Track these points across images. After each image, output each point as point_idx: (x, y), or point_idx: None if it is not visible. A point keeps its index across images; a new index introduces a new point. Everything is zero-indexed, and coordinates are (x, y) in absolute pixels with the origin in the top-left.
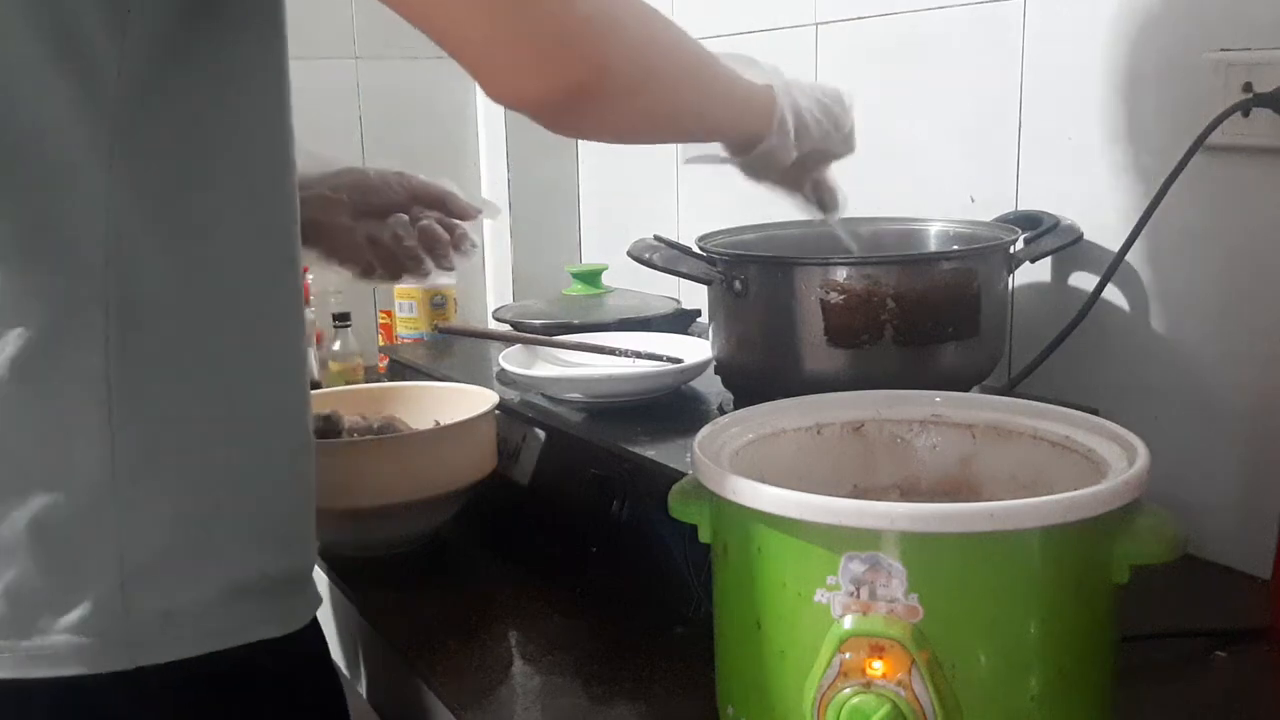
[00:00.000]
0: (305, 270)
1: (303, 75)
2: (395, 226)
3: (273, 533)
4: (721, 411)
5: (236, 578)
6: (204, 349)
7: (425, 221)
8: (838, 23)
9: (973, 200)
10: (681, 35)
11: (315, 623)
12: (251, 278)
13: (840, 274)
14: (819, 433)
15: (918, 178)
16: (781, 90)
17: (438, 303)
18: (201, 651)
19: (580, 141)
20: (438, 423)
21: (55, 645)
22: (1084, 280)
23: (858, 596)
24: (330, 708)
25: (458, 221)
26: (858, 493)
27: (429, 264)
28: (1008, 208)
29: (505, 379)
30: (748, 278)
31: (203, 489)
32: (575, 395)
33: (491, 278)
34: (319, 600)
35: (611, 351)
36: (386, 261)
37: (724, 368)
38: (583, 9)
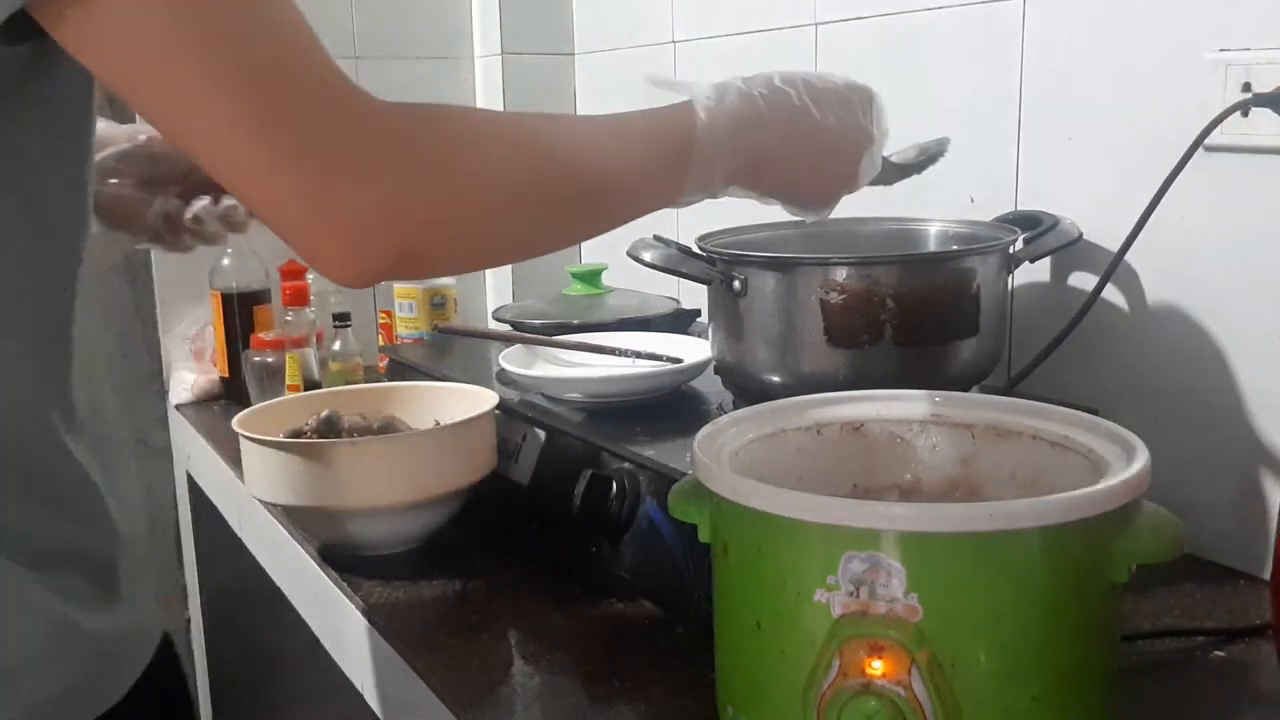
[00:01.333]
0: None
1: None
2: (199, 211)
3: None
4: (721, 411)
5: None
6: None
7: (228, 203)
8: (838, 23)
9: (972, 200)
10: (552, 130)
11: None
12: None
13: (840, 274)
14: (819, 433)
15: (917, 178)
16: (710, 92)
17: (438, 303)
18: None
19: None
20: (438, 423)
21: None
22: (1083, 280)
23: (857, 596)
24: None
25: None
26: (858, 493)
27: (214, 239)
28: (1007, 208)
29: (505, 379)
30: (748, 278)
31: None
32: (575, 395)
33: (491, 278)
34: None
35: (611, 351)
36: (174, 233)
37: (724, 368)
38: (388, 181)
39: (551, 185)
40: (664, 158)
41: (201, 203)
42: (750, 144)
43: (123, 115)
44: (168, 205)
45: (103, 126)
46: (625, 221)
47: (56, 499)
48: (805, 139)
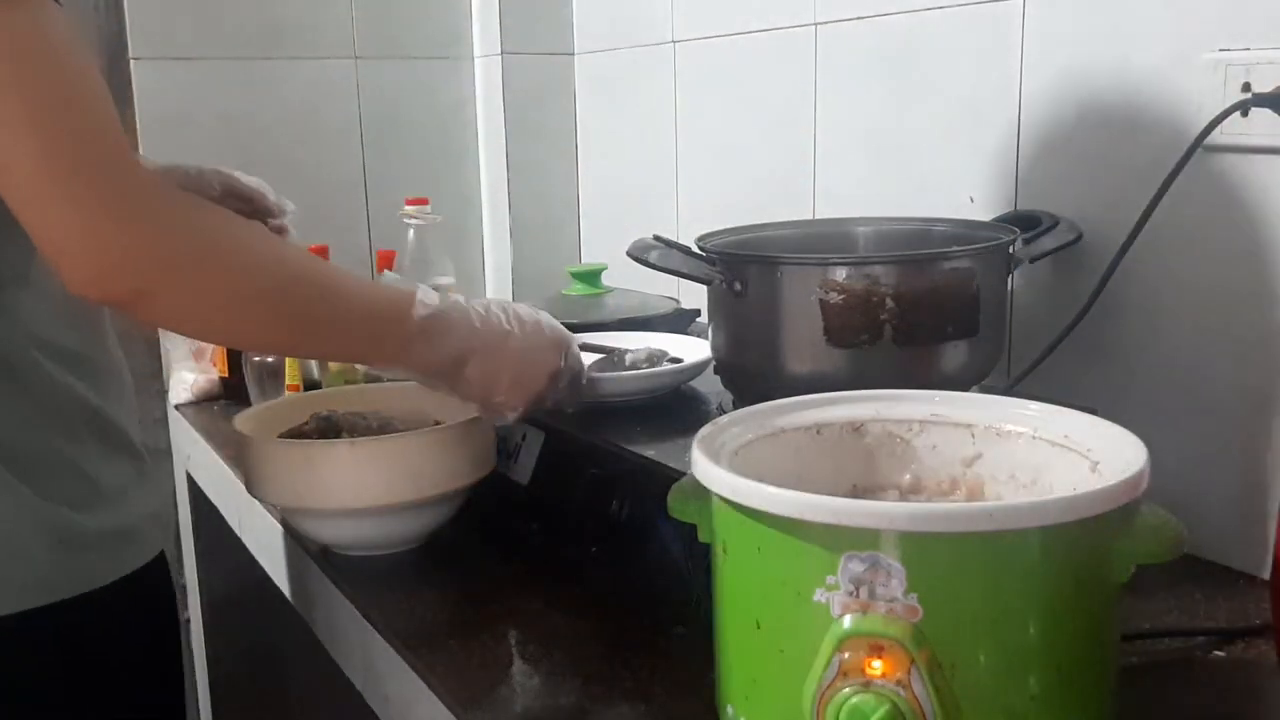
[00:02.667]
0: None
1: (302, 76)
2: None
3: None
4: (721, 411)
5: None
6: None
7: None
8: (838, 22)
9: (972, 200)
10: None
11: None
12: None
13: (840, 274)
14: (819, 433)
15: (917, 177)
16: (434, 295)
17: None
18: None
19: (580, 142)
20: (438, 423)
21: None
22: (1083, 280)
23: (857, 596)
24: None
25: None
26: (857, 492)
27: None
28: (1007, 207)
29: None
30: (748, 278)
31: None
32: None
33: (491, 278)
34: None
35: (611, 351)
36: None
37: (724, 368)
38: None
39: (278, 302)
40: (377, 325)
41: None
42: (459, 346)
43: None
44: None
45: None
46: (345, 360)
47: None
48: (507, 355)
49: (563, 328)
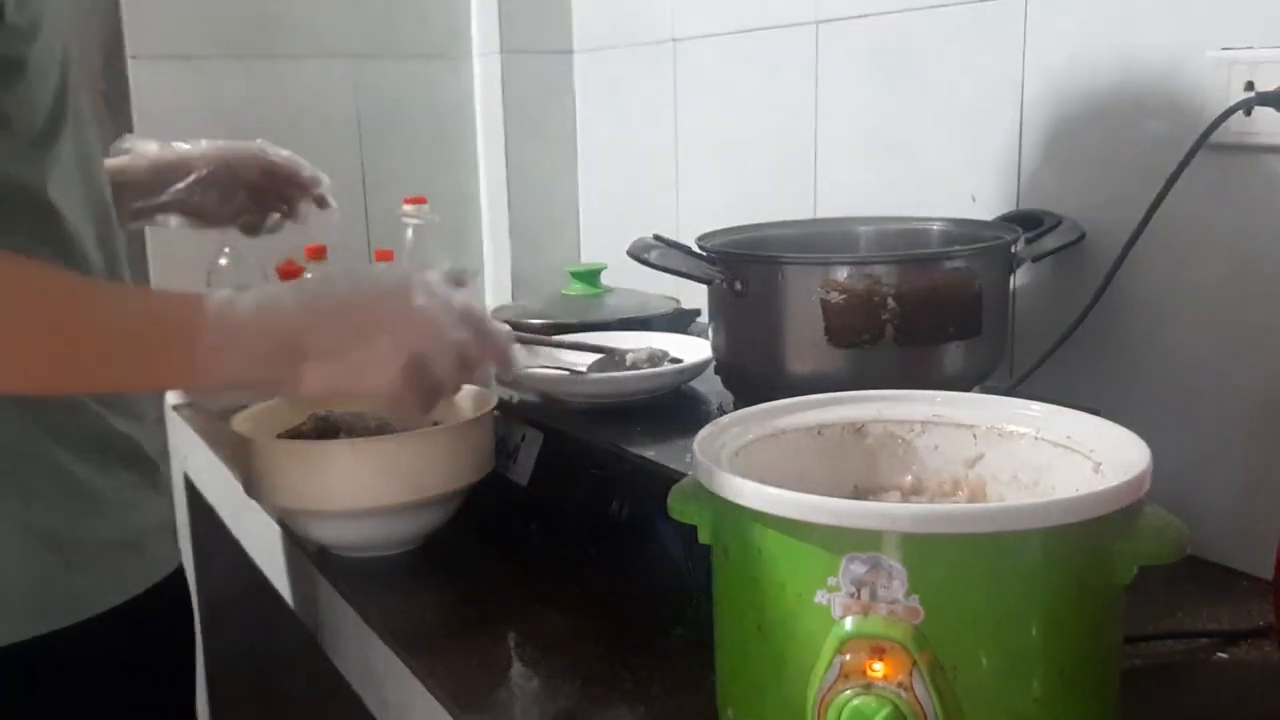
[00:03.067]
0: None
1: (301, 75)
2: (269, 221)
3: None
4: (721, 411)
5: None
6: None
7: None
8: (838, 21)
9: (974, 199)
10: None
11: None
12: None
13: (841, 274)
14: (819, 433)
15: (918, 177)
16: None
17: None
18: None
19: (580, 142)
20: (437, 423)
21: None
22: (1086, 280)
23: (858, 598)
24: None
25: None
26: (858, 494)
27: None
28: (1009, 207)
29: (505, 379)
30: (748, 278)
31: None
32: (575, 395)
33: (491, 278)
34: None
35: (611, 351)
36: (252, 233)
37: (724, 368)
38: None
39: (43, 338)
40: (162, 334)
41: (274, 217)
42: (276, 322)
43: (118, 116)
44: (245, 217)
45: (174, 150)
46: (143, 389)
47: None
48: (334, 301)
49: (404, 269)
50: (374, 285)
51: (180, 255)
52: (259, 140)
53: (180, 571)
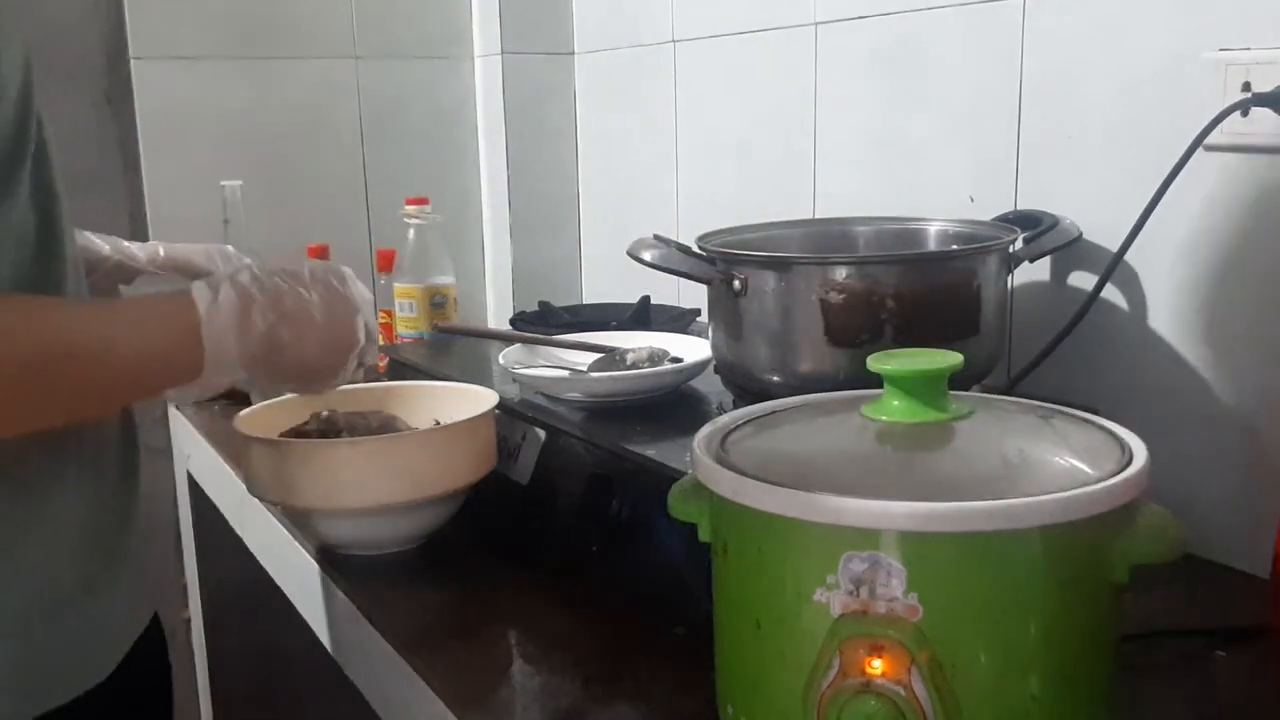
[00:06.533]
0: None
1: (303, 75)
2: None
3: None
4: (721, 411)
5: None
6: None
7: None
8: (838, 22)
9: (972, 200)
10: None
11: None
12: None
13: (840, 274)
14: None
15: (917, 177)
16: (205, 285)
17: (438, 302)
18: None
19: (580, 141)
20: (438, 422)
21: None
22: (1083, 280)
23: (857, 596)
24: None
25: None
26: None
27: None
28: (1007, 207)
29: (505, 379)
30: (748, 277)
31: None
32: (575, 395)
33: (491, 278)
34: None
35: (611, 351)
36: None
37: (724, 368)
38: None
39: (40, 373)
40: (171, 337)
41: None
42: (257, 326)
43: (120, 116)
44: None
45: (128, 249)
46: (143, 398)
47: None
48: (302, 315)
49: (336, 266)
50: (328, 309)
51: None
52: (216, 245)
53: (155, 622)
